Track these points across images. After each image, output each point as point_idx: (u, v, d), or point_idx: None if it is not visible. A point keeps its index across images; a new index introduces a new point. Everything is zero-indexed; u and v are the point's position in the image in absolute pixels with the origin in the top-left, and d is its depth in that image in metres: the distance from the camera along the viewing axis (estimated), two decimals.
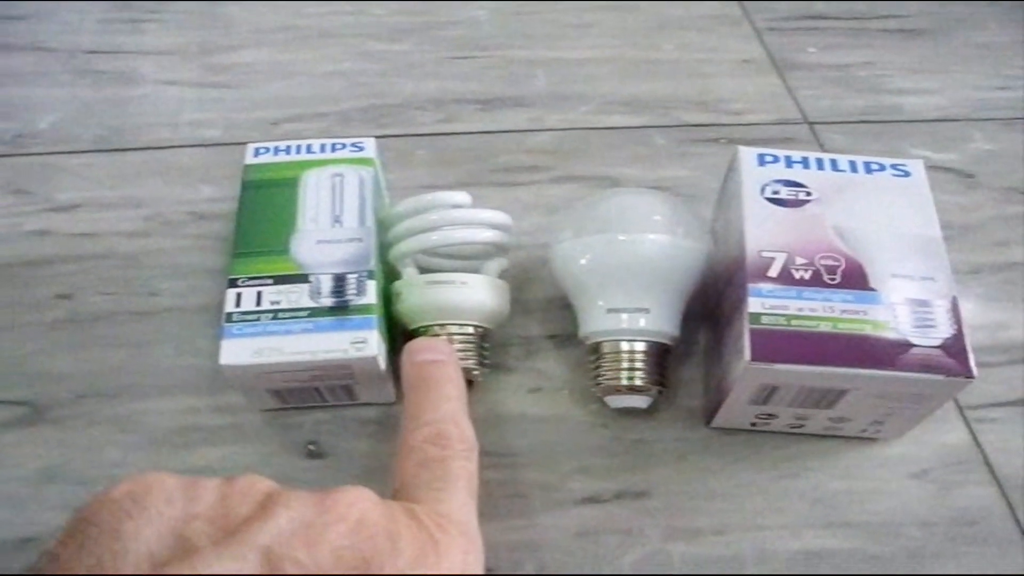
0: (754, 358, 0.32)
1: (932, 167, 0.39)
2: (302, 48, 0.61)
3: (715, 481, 0.37)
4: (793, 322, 0.33)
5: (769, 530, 0.36)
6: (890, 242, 0.35)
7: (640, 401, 0.37)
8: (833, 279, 0.34)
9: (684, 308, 0.38)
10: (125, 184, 0.50)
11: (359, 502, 0.25)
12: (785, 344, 0.32)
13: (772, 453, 0.38)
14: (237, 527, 0.23)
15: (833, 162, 0.39)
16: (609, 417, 0.39)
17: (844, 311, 0.33)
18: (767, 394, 0.34)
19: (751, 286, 0.34)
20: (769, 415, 0.36)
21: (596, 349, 0.38)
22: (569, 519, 0.36)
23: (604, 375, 0.37)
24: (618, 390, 0.37)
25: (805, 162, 0.39)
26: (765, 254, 0.35)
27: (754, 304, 0.33)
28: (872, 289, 0.34)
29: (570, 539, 0.35)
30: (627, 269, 0.37)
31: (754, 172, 0.38)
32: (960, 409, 0.40)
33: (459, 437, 0.31)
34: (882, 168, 0.39)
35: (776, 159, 0.39)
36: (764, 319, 0.33)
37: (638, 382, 0.36)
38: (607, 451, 0.38)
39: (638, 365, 0.36)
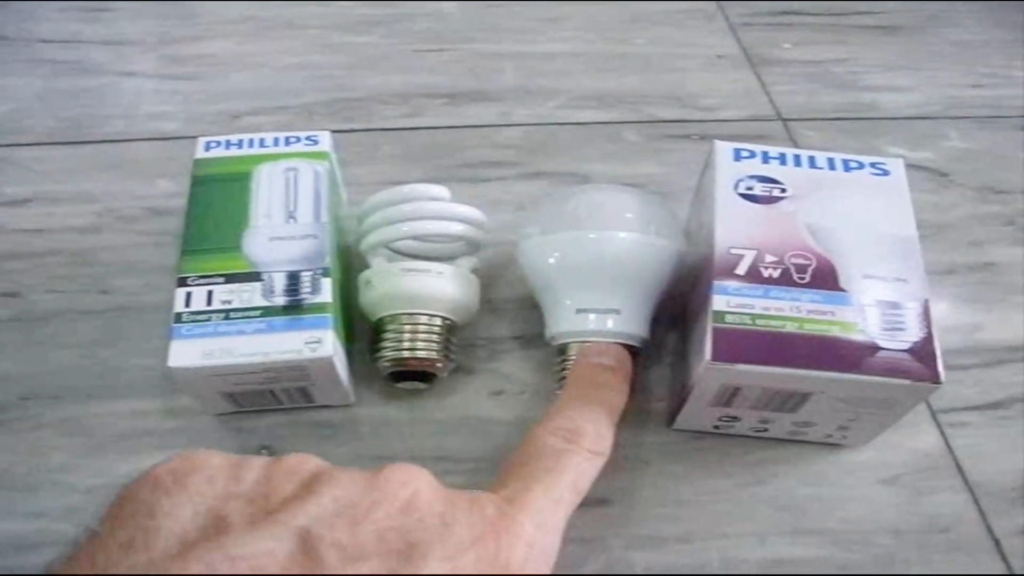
0: (715, 358, 0.31)
1: (907, 165, 0.38)
2: (265, 39, 0.59)
3: (679, 487, 0.36)
4: (758, 321, 0.32)
5: (735, 537, 0.35)
6: (864, 242, 0.35)
7: None
8: (803, 278, 0.33)
9: (654, 310, 0.37)
10: (78, 178, 0.49)
11: (413, 481, 0.24)
12: (748, 344, 0.31)
13: (738, 459, 0.37)
14: (277, 507, 0.23)
15: (811, 159, 0.38)
16: None
17: (811, 311, 0.32)
18: (729, 395, 0.33)
19: (717, 283, 0.33)
20: (732, 418, 0.35)
21: (563, 350, 0.37)
22: None
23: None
24: None
25: (782, 158, 0.38)
26: (734, 251, 0.34)
27: (719, 302, 0.32)
28: (842, 289, 0.33)
29: None
30: (596, 268, 0.36)
31: (729, 167, 0.37)
32: (932, 413, 0.39)
33: (594, 439, 0.30)
34: (860, 166, 0.38)
35: (752, 154, 0.38)
36: (728, 318, 0.32)
37: None
38: None
39: None
